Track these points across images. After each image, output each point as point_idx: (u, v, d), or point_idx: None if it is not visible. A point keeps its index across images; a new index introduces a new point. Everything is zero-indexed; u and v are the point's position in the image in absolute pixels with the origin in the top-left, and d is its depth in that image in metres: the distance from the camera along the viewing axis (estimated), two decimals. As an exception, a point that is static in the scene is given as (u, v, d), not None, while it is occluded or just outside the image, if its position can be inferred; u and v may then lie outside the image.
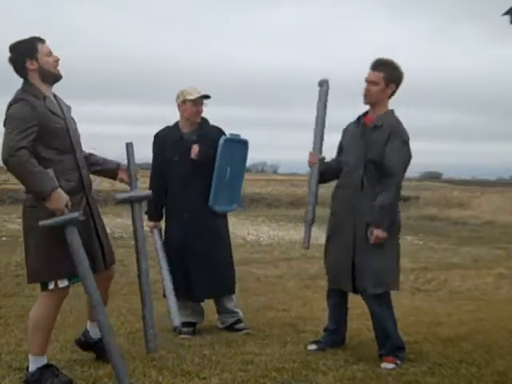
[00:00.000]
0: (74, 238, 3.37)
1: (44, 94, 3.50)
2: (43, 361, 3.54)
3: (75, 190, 3.53)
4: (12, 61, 3.53)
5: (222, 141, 4.64)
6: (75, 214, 3.37)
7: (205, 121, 4.79)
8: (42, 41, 3.55)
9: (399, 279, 4.15)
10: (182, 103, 4.66)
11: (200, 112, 4.70)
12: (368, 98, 4.08)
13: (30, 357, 3.54)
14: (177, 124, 4.76)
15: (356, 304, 4.60)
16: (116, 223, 13.95)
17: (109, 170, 3.84)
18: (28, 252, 3.51)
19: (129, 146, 3.71)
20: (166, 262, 4.58)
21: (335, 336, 4.34)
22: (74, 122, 3.72)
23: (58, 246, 3.41)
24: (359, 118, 4.18)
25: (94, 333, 3.86)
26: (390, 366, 3.90)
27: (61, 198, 3.34)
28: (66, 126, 3.55)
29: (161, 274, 4.60)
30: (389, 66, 4.05)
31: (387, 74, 4.02)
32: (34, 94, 3.46)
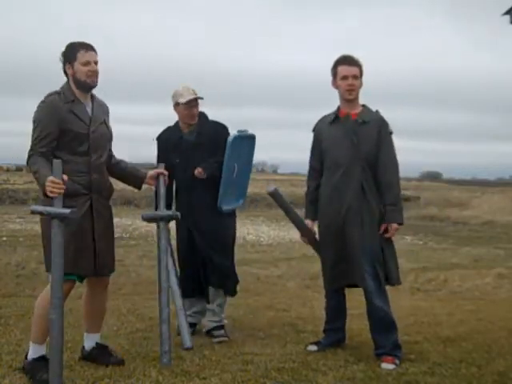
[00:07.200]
0: (58, 233, 3.32)
1: (73, 98, 3.63)
2: (41, 351, 3.62)
3: (80, 193, 3.61)
4: (61, 60, 3.68)
5: (230, 139, 4.46)
6: (66, 211, 3.32)
7: (204, 116, 4.62)
8: (87, 49, 3.61)
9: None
10: (176, 105, 4.53)
11: (193, 114, 4.52)
12: (353, 92, 4.12)
13: (30, 344, 3.65)
14: (177, 124, 4.64)
15: (356, 304, 4.60)
16: (115, 223, 13.95)
17: (136, 178, 4.01)
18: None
19: (160, 177, 4.05)
20: (174, 271, 4.19)
21: (335, 336, 4.34)
22: (107, 126, 3.78)
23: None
24: (337, 116, 4.15)
25: (87, 345, 3.88)
26: (391, 366, 3.89)
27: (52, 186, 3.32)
28: (88, 130, 3.63)
29: (170, 287, 4.04)
30: (358, 61, 4.14)
31: (360, 69, 4.13)
32: (65, 96, 3.61)
